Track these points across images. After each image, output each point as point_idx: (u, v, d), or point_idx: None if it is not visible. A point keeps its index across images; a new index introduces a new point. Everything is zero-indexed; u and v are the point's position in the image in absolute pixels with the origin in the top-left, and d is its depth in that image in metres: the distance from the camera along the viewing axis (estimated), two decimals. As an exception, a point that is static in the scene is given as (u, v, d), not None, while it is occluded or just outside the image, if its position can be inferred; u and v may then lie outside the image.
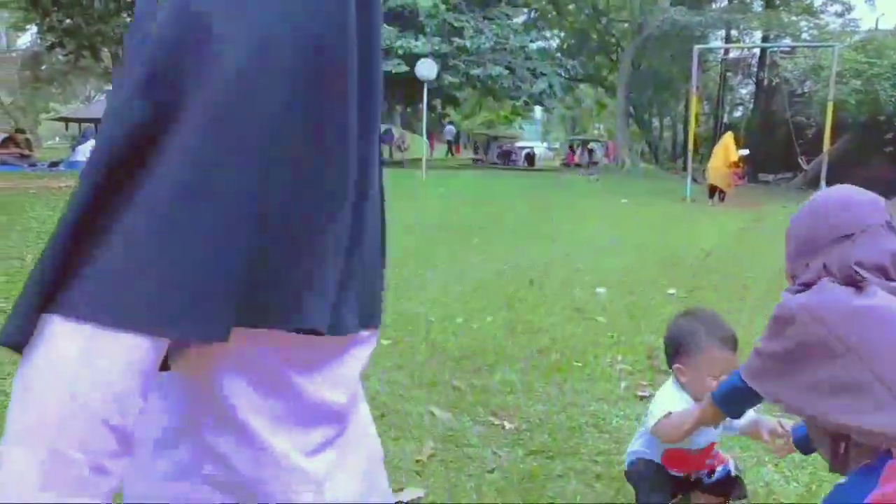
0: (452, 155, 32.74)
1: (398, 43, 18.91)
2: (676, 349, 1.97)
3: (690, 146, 16.06)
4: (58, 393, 0.53)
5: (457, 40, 19.78)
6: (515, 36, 22.05)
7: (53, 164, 15.91)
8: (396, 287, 5.21)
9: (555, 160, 38.91)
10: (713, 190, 14.17)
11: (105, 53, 33.05)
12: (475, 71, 20.60)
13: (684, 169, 15.76)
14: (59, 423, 0.53)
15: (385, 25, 19.73)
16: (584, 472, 2.41)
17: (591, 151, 34.54)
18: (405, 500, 2.18)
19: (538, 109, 36.63)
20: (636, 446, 2.07)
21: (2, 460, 0.53)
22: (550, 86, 22.23)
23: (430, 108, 29.78)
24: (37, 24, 23.92)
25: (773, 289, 5.73)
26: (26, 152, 16.23)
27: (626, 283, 5.93)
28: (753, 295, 5.52)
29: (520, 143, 38.00)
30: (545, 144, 56.02)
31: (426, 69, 15.59)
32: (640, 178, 21.87)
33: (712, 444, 2.01)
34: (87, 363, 0.53)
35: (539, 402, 3.07)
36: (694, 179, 15.60)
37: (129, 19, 26.45)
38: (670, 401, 1.94)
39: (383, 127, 26.00)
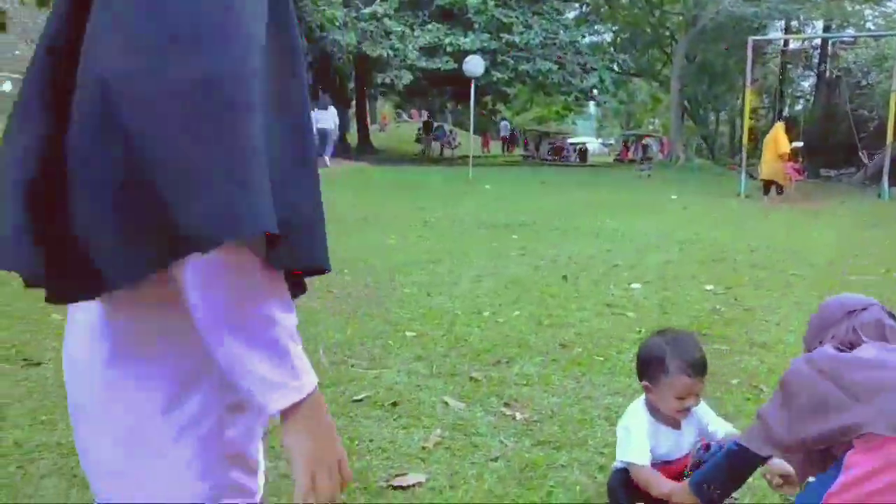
0: (508, 151, 32.59)
1: (447, 40, 18.98)
2: (646, 368, 2.00)
3: (745, 140, 15.63)
4: None
5: (506, 36, 19.73)
6: (566, 31, 21.86)
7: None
8: (428, 284, 5.29)
9: (609, 156, 38.40)
10: (768, 185, 13.75)
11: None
12: (524, 66, 20.52)
13: (742, 165, 15.32)
14: None
15: (434, 23, 19.87)
16: (588, 464, 2.43)
17: (645, 147, 33.97)
18: (405, 485, 2.24)
19: (593, 105, 36.24)
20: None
21: None
22: (601, 80, 21.97)
23: (481, 104, 29.82)
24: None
25: (816, 286, 5.58)
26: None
27: (664, 279, 5.86)
28: (795, 292, 5.39)
29: (572, 139, 37.63)
30: (600, 140, 55.33)
31: (473, 66, 15.60)
32: (694, 174, 21.41)
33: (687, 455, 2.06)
34: None
35: (554, 394, 3.09)
36: (750, 175, 15.17)
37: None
38: (634, 419, 2.04)
39: (436, 125, 26.06)
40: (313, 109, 23.55)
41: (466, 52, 17.45)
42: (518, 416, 2.84)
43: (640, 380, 2.04)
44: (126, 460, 0.87)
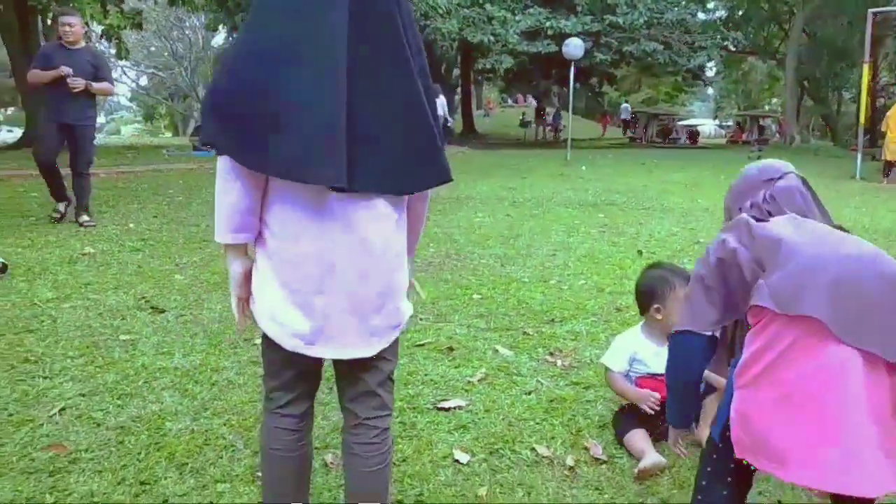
0: (629, 133, 31.87)
1: (547, 24, 19.03)
2: (652, 294, 2.37)
3: (861, 120, 14.78)
4: None
5: (609, 17, 19.52)
6: (674, 10, 21.29)
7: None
8: (504, 256, 5.64)
9: (725, 138, 36.93)
10: (890, 166, 13.01)
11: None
12: (628, 47, 20.22)
13: (859, 145, 14.52)
14: None
15: (536, 7, 19.96)
16: (612, 401, 2.74)
17: (761, 128, 32.45)
18: (447, 407, 2.66)
19: (709, 86, 34.82)
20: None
21: None
22: (710, 59, 21.26)
23: (586, 86, 29.51)
24: (224, 25, 26.59)
25: None
26: (214, 139, 18.29)
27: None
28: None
29: (689, 121, 36.41)
30: (716, 122, 53.12)
31: (572, 48, 15.63)
32: (809, 156, 20.41)
33: None
34: None
35: (598, 348, 3.39)
36: (872, 157, 14.34)
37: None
38: (631, 341, 2.47)
39: (551, 110, 25.91)
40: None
41: (568, 35, 17.46)
42: (559, 363, 3.19)
43: (647, 310, 2.40)
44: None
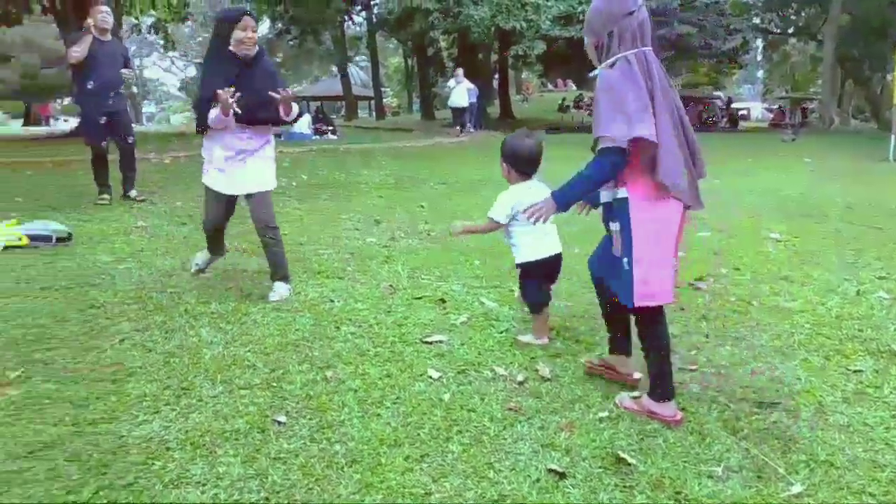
0: None
1: (580, 8, 19.26)
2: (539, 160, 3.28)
3: (895, 101, 14.72)
4: None
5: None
6: (709, -8, 21.26)
7: (276, 136, 18.63)
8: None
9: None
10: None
11: (326, 36, 36.72)
12: (661, 31, 20.27)
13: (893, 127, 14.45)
14: None
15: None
16: (570, 340, 3.26)
17: (805, 111, 31.92)
18: (430, 341, 3.22)
19: (757, 68, 34.21)
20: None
21: None
22: (745, 41, 21.19)
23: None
24: (267, 15, 27.48)
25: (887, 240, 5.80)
26: (258, 126, 19.15)
27: (737, 228, 6.31)
28: (865, 247, 5.62)
29: (732, 105, 35.91)
30: (764, 105, 52.16)
31: (601, 34, 15.79)
32: (847, 138, 20.28)
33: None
34: None
35: (576, 304, 3.91)
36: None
37: (343, 4, 29.37)
38: (514, 195, 3.23)
39: (589, 95, 25.71)
40: (445, 85, 24.26)
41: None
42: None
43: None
44: None
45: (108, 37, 6.94)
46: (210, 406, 2.60)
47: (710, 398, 2.73)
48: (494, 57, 28.08)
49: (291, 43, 37.89)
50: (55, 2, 16.25)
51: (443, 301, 3.87)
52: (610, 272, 2.57)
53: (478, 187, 9.30)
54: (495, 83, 29.82)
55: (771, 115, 41.17)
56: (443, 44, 29.91)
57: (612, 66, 2.38)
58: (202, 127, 3.80)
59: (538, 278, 3.24)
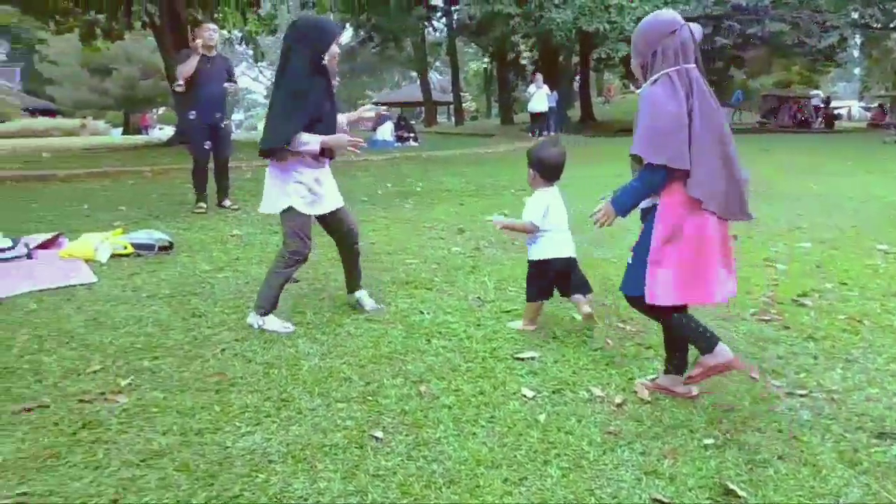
0: (758, 119, 30.50)
1: (665, 9, 18.71)
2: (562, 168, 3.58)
3: None
4: None
5: (733, 0, 18.95)
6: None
7: (359, 143, 19.00)
8: (595, 240, 6.00)
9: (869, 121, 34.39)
10: None
11: (407, 43, 37.22)
12: (752, 29, 19.52)
13: None
14: None
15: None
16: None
17: (909, 109, 29.97)
18: (523, 357, 3.18)
19: (855, 65, 32.36)
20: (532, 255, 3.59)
21: None
22: (843, 38, 20.11)
23: (711, 70, 28.58)
24: (350, 24, 28.11)
25: None
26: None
27: (840, 239, 5.98)
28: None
29: (829, 104, 34.17)
30: (861, 103, 49.41)
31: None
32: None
33: None
34: None
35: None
36: None
37: (424, 11, 29.70)
38: (543, 198, 3.53)
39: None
40: (524, 90, 24.23)
41: (688, 20, 17.07)
42: (628, 328, 3.64)
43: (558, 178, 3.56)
44: None
45: (214, 53, 7.29)
46: (309, 419, 2.65)
47: (824, 427, 2.58)
48: (576, 59, 27.75)
49: (374, 50, 38.64)
50: (154, 18, 17.11)
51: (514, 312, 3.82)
52: None
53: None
54: (576, 85, 29.46)
55: (869, 115, 38.91)
56: (523, 47, 29.79)
57: (654, 82, 2.55)
58: (281, 144, 3.41)
59: (546, 278, 3.54)
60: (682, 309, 2.68)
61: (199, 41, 7.12)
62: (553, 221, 3.50)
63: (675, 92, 2.48)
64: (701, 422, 2.61)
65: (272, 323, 3.65)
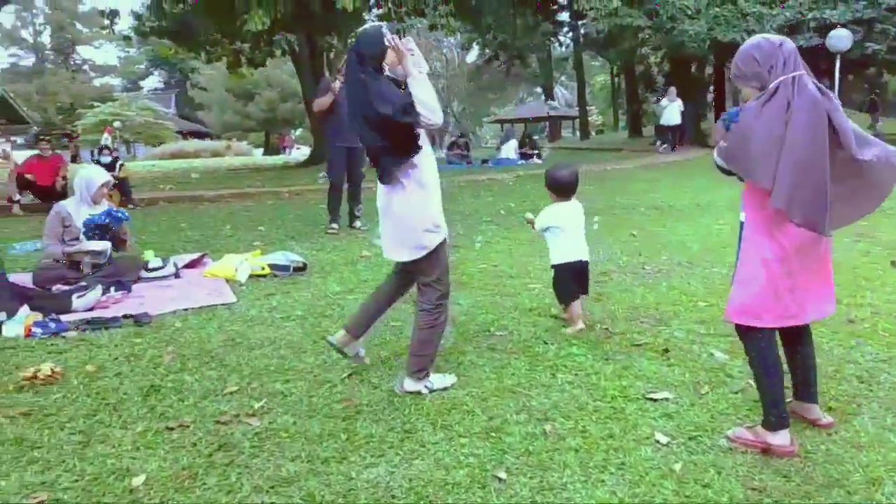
0: None
1: (809, 15, 17.49)
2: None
3: None
4: None
5: (887, 1, 17.36)
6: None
7: (484, 162, 19.16)
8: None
9: None
10: None
11: (532, 59, 37.19)
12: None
13: None
14: None
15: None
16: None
17: None
18: (655, 398, 3.00)
19: None
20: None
21: None
22: None
23: (863, 77, 26.40)
24: (477, 43, 28.45)
25: None
26: (465, 152, 19.87)
27: None
28: None
29: None
30: None
31: (836, 40, 14.33)
32: None
33: None
34: None
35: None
36: None
37: (551, 27, 29.55)
38: (554, 214, 4.17)
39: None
40: (655, 102, 23.51)
41: (833, 26, 15.95)
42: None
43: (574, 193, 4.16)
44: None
45: None
46: (431, 453, 2.62)
47: None
48: (709, 70, 26.54)
49: (499, 69, 38.91)
50: (294, 46, 18.12)
51: (666, 350, 3.62)
52: None
53: (694, 214, 8.76)
54: (709, 97, 28.16)
55: None
56: (652, 59, 28.92)
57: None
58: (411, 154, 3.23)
59: (567, 279, 4.12)
60: (768, 337, 2.57)
61: (339, 79, 7.43)
62: (568, 229, 4.11)
63: (775, 106, 2.39)
64: (859, 480, 2.34)
65: (440, 381, 3.22)
